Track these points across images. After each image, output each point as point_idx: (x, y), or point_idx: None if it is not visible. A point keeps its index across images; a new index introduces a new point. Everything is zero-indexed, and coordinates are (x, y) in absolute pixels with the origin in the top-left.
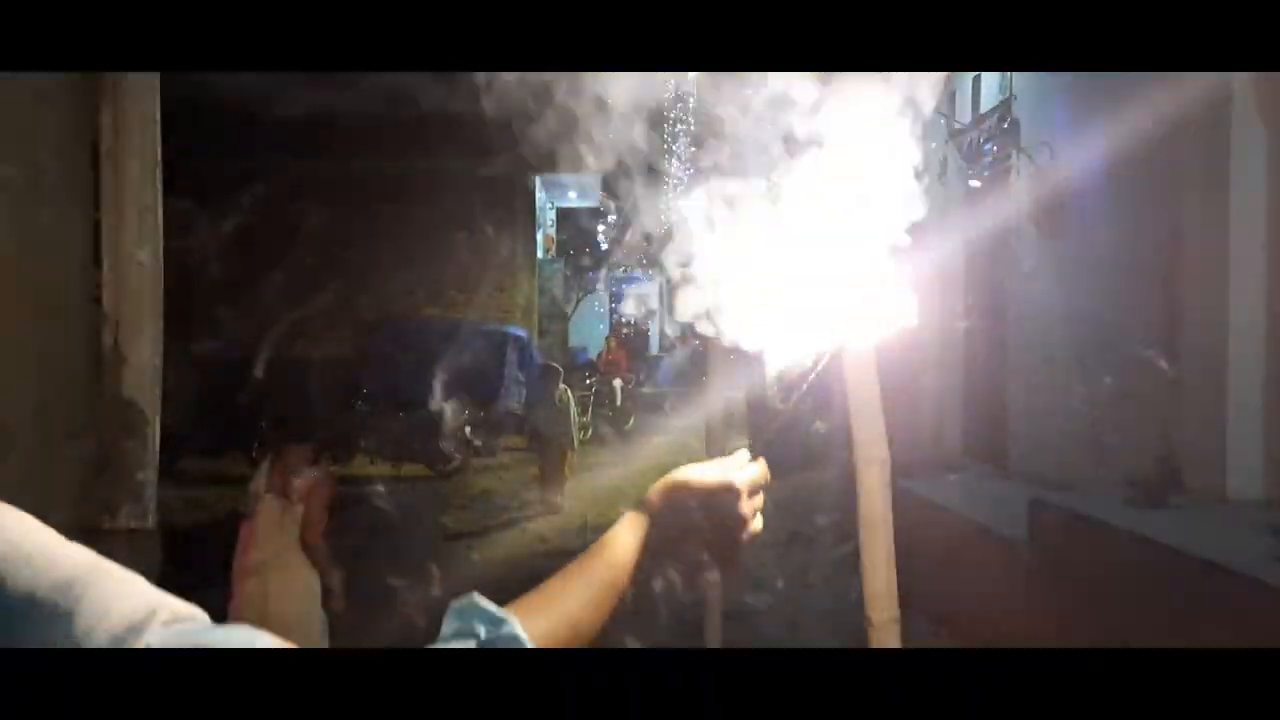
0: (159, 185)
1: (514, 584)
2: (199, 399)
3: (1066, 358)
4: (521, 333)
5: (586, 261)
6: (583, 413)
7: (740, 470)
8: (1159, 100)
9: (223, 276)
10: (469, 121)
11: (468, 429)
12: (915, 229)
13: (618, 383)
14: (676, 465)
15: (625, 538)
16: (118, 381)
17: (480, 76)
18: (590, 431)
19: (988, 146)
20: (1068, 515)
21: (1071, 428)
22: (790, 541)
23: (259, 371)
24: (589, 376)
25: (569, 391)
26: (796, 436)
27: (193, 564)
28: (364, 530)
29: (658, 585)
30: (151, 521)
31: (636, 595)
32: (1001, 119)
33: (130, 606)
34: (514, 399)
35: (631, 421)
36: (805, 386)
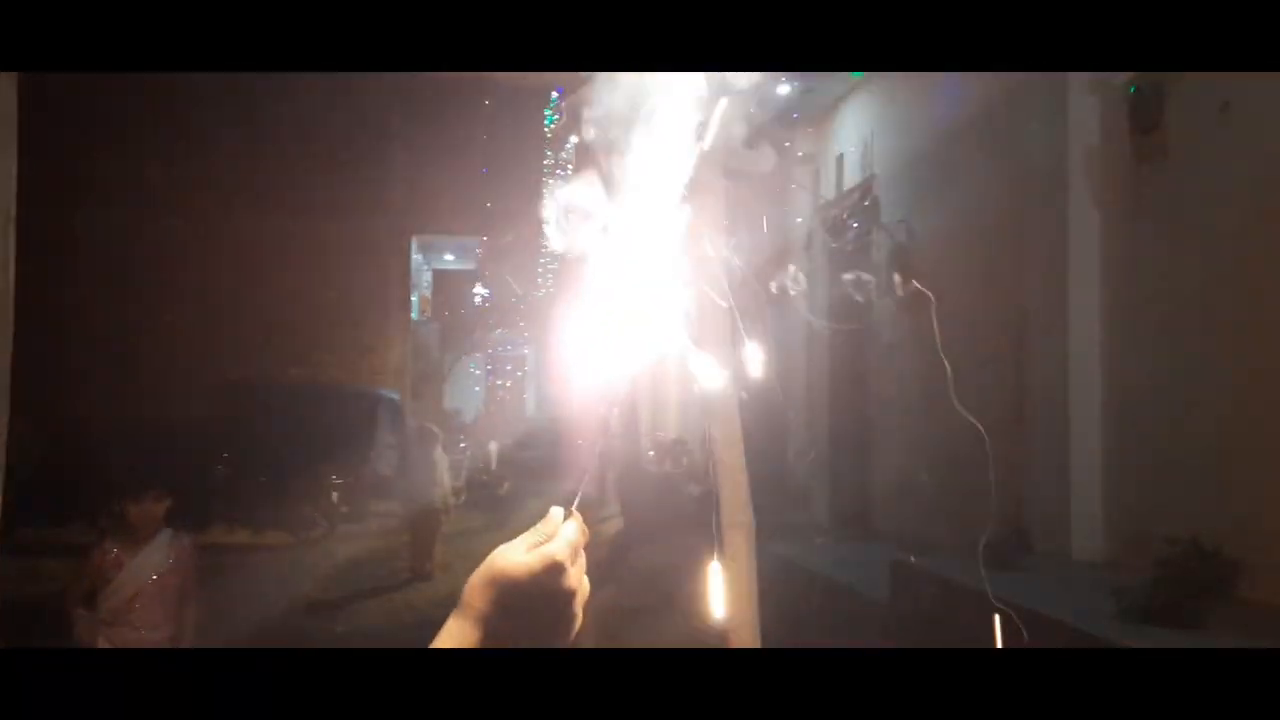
0: (12, 241)
1: None
2: (43, 462)
3: (923, 426)
4: (393, 395)
5: (462, 324)
6: (456, 477)
7: (558, 540)
8: (1001, 179)
9: (78, 332)
10: (344, 182)
11: (334, 495)
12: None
13: (493, 446)
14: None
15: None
16: None
17: (361, 139)
18: (464, 496)
19: (851, 222)
20: (925, 576)
21: (930, 494)
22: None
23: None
24: (462, 440)
25: (445, 456)
26: (669, 500)
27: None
28: (222, 600)
29: None
30: None
31: None
32: (863, 196)
33: None
34: (385, 463)
35: (506, 486)
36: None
